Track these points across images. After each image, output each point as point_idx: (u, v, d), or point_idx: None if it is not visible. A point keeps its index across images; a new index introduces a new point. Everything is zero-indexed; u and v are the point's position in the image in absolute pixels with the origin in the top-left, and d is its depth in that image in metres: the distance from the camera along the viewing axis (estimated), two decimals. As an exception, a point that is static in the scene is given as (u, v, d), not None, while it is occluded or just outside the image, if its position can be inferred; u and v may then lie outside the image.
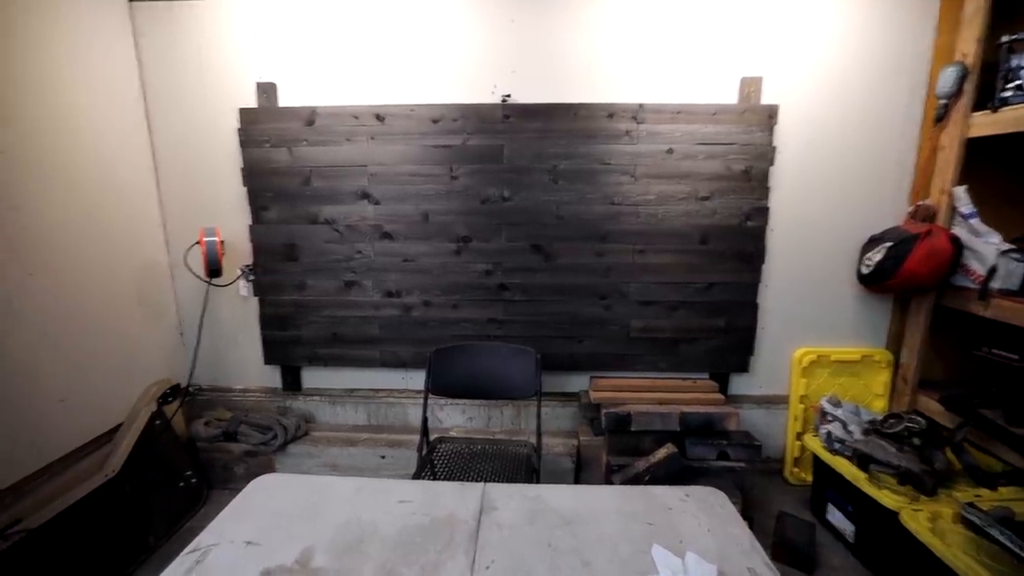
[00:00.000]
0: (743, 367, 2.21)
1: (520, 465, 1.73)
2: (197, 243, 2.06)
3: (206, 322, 2.16)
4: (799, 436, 2.19)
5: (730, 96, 2.02)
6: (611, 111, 2.00)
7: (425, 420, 1.80)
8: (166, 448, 2.04)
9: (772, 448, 2.25)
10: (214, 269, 2.02)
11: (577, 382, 2.26)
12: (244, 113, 2.07)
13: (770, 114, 1.99)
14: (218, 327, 2.27)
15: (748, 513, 1.89)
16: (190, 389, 2.25)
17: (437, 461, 1.76)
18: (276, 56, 2.07)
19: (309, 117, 2.04)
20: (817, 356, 2.19)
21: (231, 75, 2.09)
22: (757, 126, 2.00)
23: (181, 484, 2.06)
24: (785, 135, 2.02)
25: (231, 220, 2.16)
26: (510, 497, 1.12)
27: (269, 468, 2.16)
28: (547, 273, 2.12)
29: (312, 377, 2.32)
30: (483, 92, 2.04)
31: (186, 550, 0.95)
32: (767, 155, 2.02)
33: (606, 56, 2.01)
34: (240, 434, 2.15)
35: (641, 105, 1.99)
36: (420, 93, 2.05)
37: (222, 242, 2.04)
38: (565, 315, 2.16)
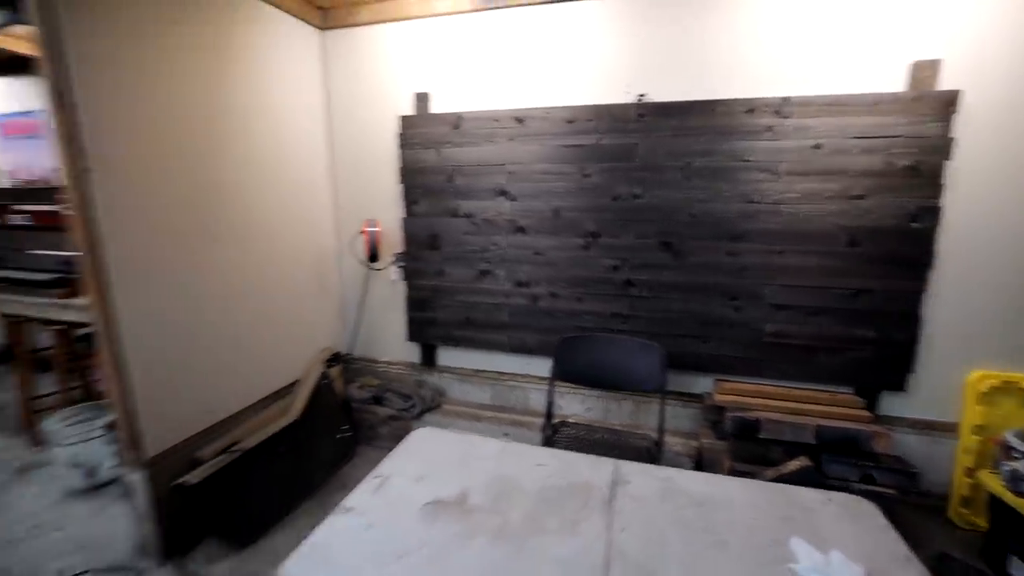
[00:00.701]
0: (898, 386, 1.99)
1: (641, 456, 1.76)
2: (361, 232, 2.42)
3: (361, 301, 2.52)
4: (971, 472, 1.91)
5: (895, 84, 1.83)
6: (751, 106, 1.93)
7: (550, 403, 1.91)
8: (329, 404, 2.42)
9: (932, 482, 1.99)
10: (373, 256, 2.36)
11: (700, 383, 2.22)
12: (404, 120, 2.37)
13: (948, 102, 1.77)
14: (372, 306, 2.63)
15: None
16: (347, 357, 2.64)
17: (559, 443, 1.86)
18: (430, 69, 2.34)
19: (455, 121, 2.28)
20: (1001, 382, 1.88)
21: (394, 87, 2.41)
22: (930, 116, 1.79)
23: (338, 436, 2.43)
24: (968, 125, 1.78)
25: (387, 213, 2.49)
26: (641, 475, 1.18)
27: (405, 432, 2.44)
28: (675, 271, 2.12)
29: (446, 356, 2.58)
30: (617, 92, 2.10)
31: (371, 475, 1.16)
32: (942, 148, 1.80)
33: (747, 50, 1.95)
34: (386, 400, 2.48)
35: (786, 99, 1.90)
36: (556, 96, 2.18)
37: (380, 232, 2.37)
38: (692, 314, 2.13)
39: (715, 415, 2.10)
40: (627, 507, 1.05)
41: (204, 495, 1.79)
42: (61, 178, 1.50)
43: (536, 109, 2.18)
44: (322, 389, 2.38)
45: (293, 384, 2.37)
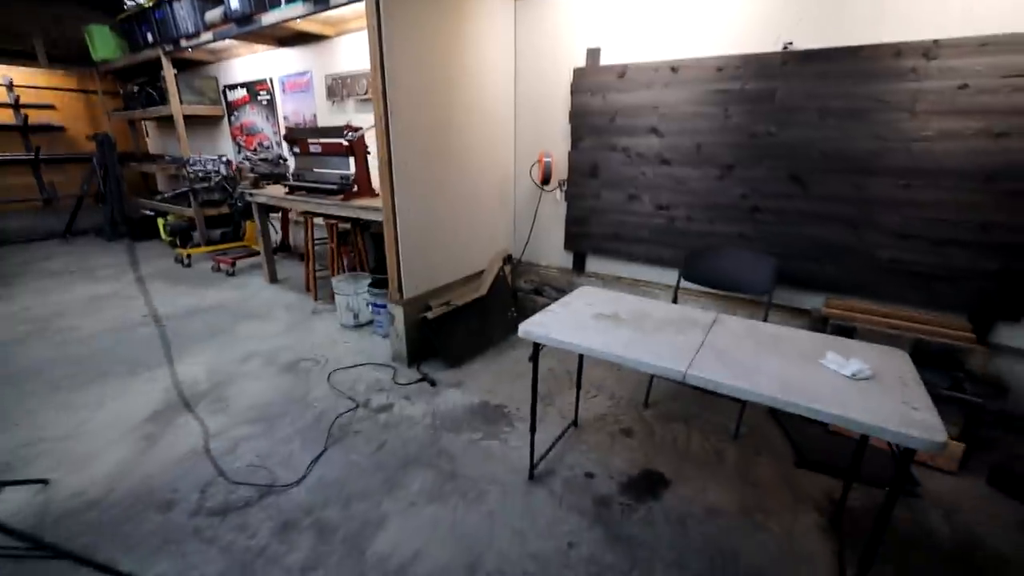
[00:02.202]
0: (1015, 316, 2.15)
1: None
2: (537, 161, 3.15)
3: (531, 215, 3.29)
4: (1080, 398, 2.05)
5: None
6: (898, 50, 2.14)
7: (676, 292, 2.48)
8: (503, 290, 3.29)
9: (1037, 405, 2.16)
10: (546, 179, 3.08)
11: (811, 301, 2.58)
12: (576, 71, 2.97)
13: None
14: (538, 220, 3.39)
15: (969, 451, 1.99)
16: (516, 259, 3.48)
17: (679, 325, 2.45)
18: (601, 27, 2.87)
19: (621, 71, 2.81)
20: None
21: (569, 44, 3.00)
22: (1094, 54, 1.85)
23: (508, 316, 3.31)
24: None
25: (557, 147, 3.17)
26: (734, 320, 1.75)
27: (558, 318, 3.24)
28: (800, 200, 2.46)
29: (594, 264, 3.27)
30: (765, 42, 2.42)
31: (559, 300, 1.91)
32: (1102, 86, 1.86)
33: (905, -6, 2.12)
34: (544, 291, 3.27)
35: (936, 41, 2.07)
36: (708, 46, 2.57)
37: (553, 161, 3.06)
38: (811, 238, 2.48)
39: (819, 326, 2.47)
40: (719, 331, 1.64)
41: (433, 328, 2.78)
42: (377, 117, 2.43)
43: (689, 59, 2.60)
44: (499, 278, 3.26)
45: (480, 272, 3.28)
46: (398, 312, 2.74)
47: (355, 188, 3.33)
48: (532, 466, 1.95)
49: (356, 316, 3.38)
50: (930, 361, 2.12)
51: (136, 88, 5.96)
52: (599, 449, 2.14)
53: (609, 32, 2.86)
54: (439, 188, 2.81)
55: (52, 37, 6.16)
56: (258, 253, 4.61)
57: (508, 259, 3.41)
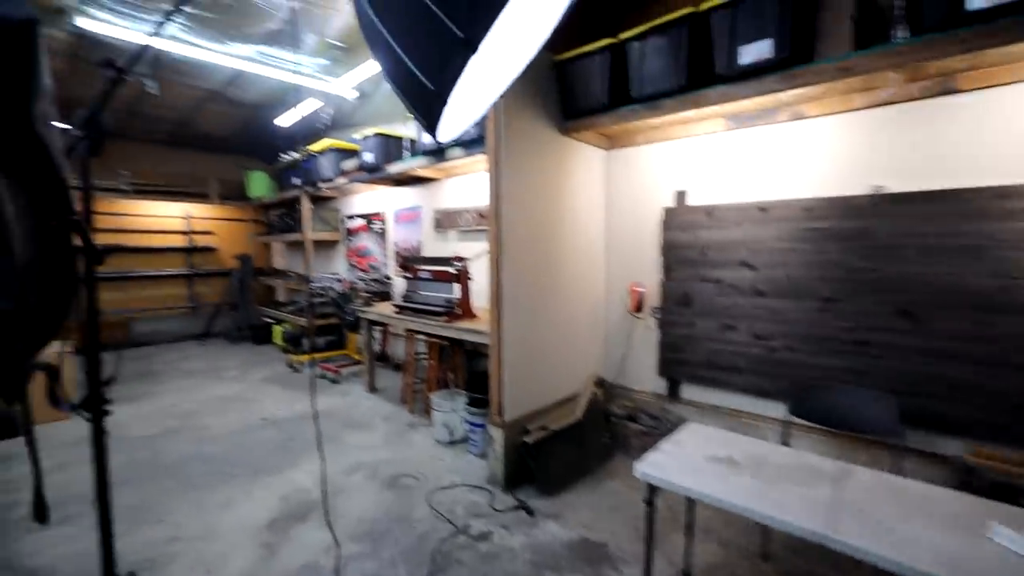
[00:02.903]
0: None
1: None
2: (630, 291, 3.33)
3: (622, 341, 3.40)
4: None
5: None
6: (1003, 193, 2.16)
7: (786, 433, 2.38)
8: (597, 415, 3.31)
9: None
10: (639, 308, 3.23)
11: (947, 446, 2.35)
12: (667, 211, 3.24)
13: None
14: (630, 346, 3.47)
15: None
16: (608, 382, 3.52)
17: (794, 466, 2.31)
18: (687, 173, 3.18)
19: (709, 211, 3.03)
20: None
21: (658, 187, 3.32)
22: None
23: (602, 440, 3.28)
24: None
25: (648, 277, 3.35)
26: (868, 473, 1.65)
27: (654, 445, 3.14)
28: (915, 335, 2.37)
29: (688, 391, 3.23)
30: (854, 185, 2.55)
31: (667, 439, 1.93)
32: None
33: (997, 141, 2.20)
34: (638, 418, 3.24)
35: (1045, 187, 2.08)
36: (795, 189, 2.74)
37: (646, 292, 3.23)
38: (934, 376, 2.33)
39: (965, 477, 2.21)
40: (851, 485, 1.56)
41: (531, 453, 2.82)
42: (491, 253, 2.78)
43: (776, 201, 2.77)
44: (593, 402, 3.29)
45: (573, 396, 3.35)
46: (498, 434, 2.84)
47: (458, 311, 3.67)
48: (644, 621, 1.83)
49: (451, 433, 3.51)
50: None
51: (276, 217, 7.18)
52: (715, 607, 1.96)
53: (694, 177, 3.14)
54: (540, 315, 3.04)
55: (222, 180, 7.75)
56: (359, 362, 5.04)
57: (600, 383, 3.47)
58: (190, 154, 7.51)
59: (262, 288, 8.13)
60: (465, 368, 4.12)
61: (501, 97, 2.83)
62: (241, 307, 7.42)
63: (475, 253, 3.69)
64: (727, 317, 2.98)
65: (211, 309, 7.61)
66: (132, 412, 4.27)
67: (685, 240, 3.15)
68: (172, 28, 3.88)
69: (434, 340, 3.95)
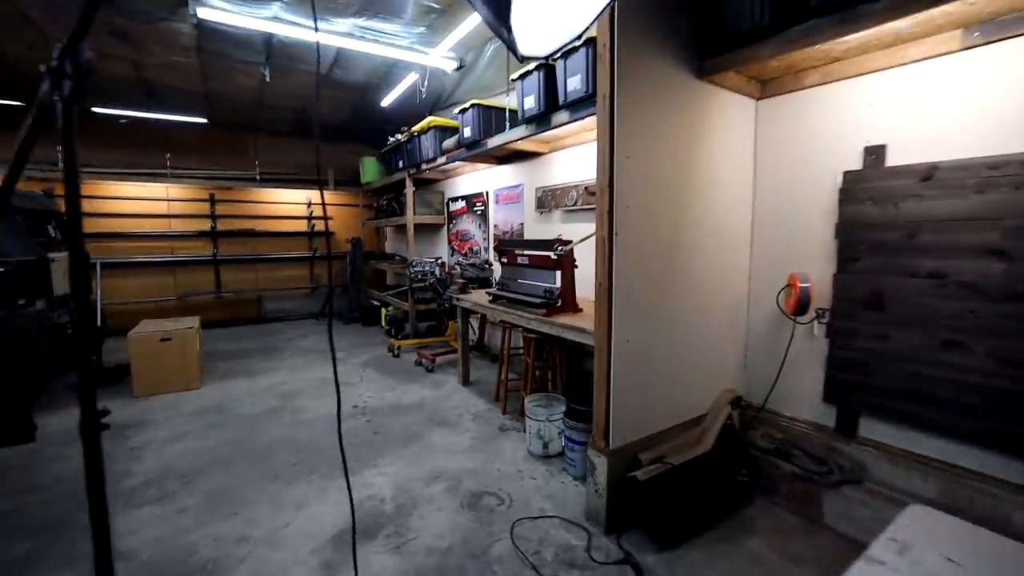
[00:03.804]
0: None
1: None
2: (788, 286, 2.48)
3: (770, 350, 2.56)
4: None
5: None
6: None
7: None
8: (732, 445, 2.55)
9: None
10: (801, 309, 2.38)
11: None
12: (847, 176, 2.33)
13: None
14: (782, 357, 2.63)
15: None
16: (746, 402, 2.72)
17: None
18: (887, 120, 2.22)
19: (926, 171, 2.07)
20: None
21: (835, 144, 2.40)
22: None
23: (737, 478, 2.52)
24: None
25: (814, 268, 2.47)
26: None
27: (815, 498, 2.30)
28: None
29: (872, 427, 2.32)
30: None
31: (884, 536, 1.19)
32: None
33: None
34: (794, 456, 2.42)
35: None
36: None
37: (811, 287, 2.37)
38: None
39: None
40: None
41: (643, 492, 2.19)
42: (599, 234, 2.18)
43: (1058, 151, 1.75)
44: (727, 429, 2.54)
45: (700, 417, 2.62)
46: (601, 463, 2.26)
47: (559, 303, 3.12)
48: None
49: (546, 446, 3.00)
50: None
51: (385, 202, 7.25)
52: None
53: (899, 125, 2.18)
54: (661, 313, 2.36)
55: (338, 167, 8.06)
56: (456, 351, 4.76)
57: (736, 402, 2.68)
58: (310, 143, 7.92)
59: (372, 271, 8.37)
60: (565, 368, 3.58)
61: (613, 21, 2.06)
62: (352, 289, 7.68)
63: (582, 236, 3.09)
64: (949, 329, 2.02)
65: (327, 290, 8.02)
66: (247, 388, 4.45)
67: (878, 216, 2.22)
68: (274, 8, 3.82)
69: (531, 335, 3.45)
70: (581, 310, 3.17)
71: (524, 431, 3.29)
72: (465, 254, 5.96)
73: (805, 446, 2.44)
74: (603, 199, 2.14)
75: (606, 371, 2.19)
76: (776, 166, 2.67)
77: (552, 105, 3.29)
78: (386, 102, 5.65)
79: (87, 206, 6.48)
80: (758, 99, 2.72)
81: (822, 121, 2.46)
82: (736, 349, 2.82)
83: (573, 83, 3.01)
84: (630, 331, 2.22)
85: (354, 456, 3.06)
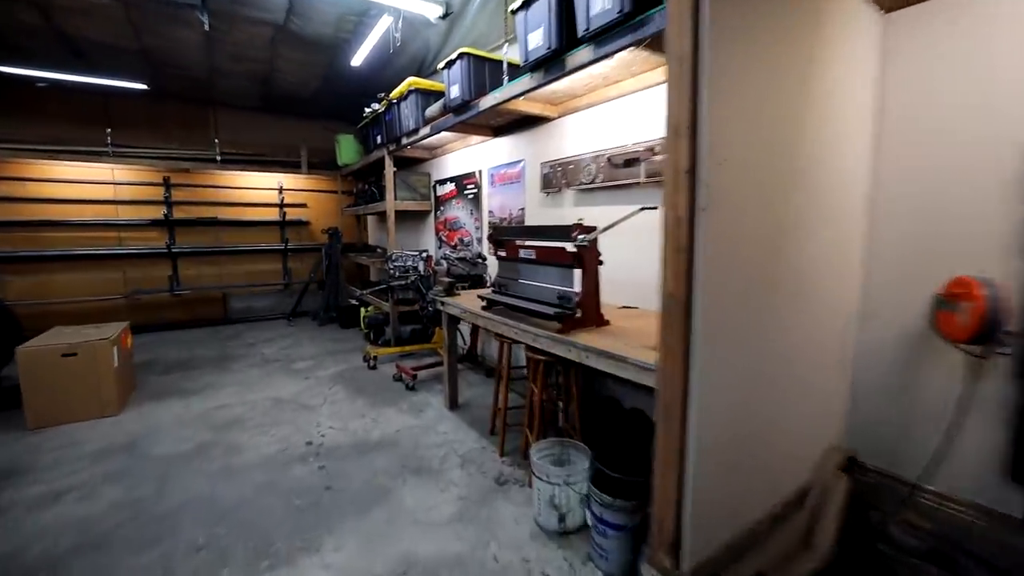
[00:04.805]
0: None
1: None
2: (949, 296, 1.58)
3: (904, 387, 1.67)
4: None
5: None
6: None
7: None
8: (855, 538, 1.66)
9: None
10: (986, 332, 1.48)
11: None
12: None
13: None
14: (921, 401, 1.75)
15: None
16: (866, 465, 1.83)
17: None
18: None
19: None
20: None
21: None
22: None
23: (859, 588, 1.65)
24: None
25: (982, 267, 1.58)
26: None
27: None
28: None
29: (1105, 529, 1.45)
30: None
31: None
32: None
33: None
34: (961, 567, 1.54)
35: None
36: None
37: (1002, 299, 1.47)
38: None
39: None
40: None
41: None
42: (669, 216, 1.27)
43: None
44: (849, 517, 1.65)
45: (801, 492, 1.73)
46: (664, 594, 1.37)
47: (578, 313, 2.22)
48: None
49: (563, 519, 2.11)
50: None
51: (364, 186, 6.30)
52: None
53: None
54: (762, 345, 1.46)
55: (312, 148, 7.09)
56: (443, 360, 3.86)
57: (849, 464, 1.79)
58: (280, 120, 6.94)
59: (352, 266, 7.43)
60: (581, 397, 2.67)
61: None
62: (328, 286, 6.75)
63: (612, 220, 2.17)
64: None
65: (301, 287, 7.07)
66: (178, 413, 3.53)
67: None
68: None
69: (539, 356, 2.53)
70: (608, 323, 2.29)
71: (528, 486, 2.42)
72: (454, 246, 5.04)
73: (975, 549, 1.56)
74: (677, 148, 1.23)
75: (679, 445, 1.29)
76: (916, 115, 1.77)
77: (568, 41, 2.35)
78: (357, 60, 4.67)
79: (16, 190, 5.50)
80: (887, 11, 1.81)
81: (1001, 43, 1.56)
82: (843, 387, 1.93)
83: (600, 1, 2.09)
84: (718, 375, 1.32)
85: (292, 528, 2.17)
